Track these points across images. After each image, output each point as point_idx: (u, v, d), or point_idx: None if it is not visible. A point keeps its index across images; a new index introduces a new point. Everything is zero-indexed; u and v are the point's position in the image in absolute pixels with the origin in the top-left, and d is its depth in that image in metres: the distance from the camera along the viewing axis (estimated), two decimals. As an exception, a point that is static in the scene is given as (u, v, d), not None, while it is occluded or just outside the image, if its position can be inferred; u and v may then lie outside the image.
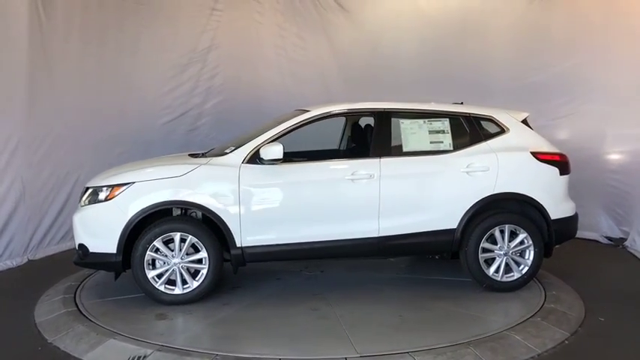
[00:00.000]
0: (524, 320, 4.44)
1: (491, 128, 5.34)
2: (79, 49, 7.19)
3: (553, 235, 5.18)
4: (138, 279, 4.75)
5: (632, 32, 6.85)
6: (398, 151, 5.11)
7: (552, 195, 5.21)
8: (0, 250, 6.15)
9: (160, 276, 4.76)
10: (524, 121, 5.43)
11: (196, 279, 4.80)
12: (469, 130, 5.26)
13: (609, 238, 7.36)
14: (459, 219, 5.01)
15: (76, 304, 4.83)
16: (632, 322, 4.64)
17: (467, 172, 5.05)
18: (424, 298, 4.97)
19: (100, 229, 4.79)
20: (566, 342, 4.20)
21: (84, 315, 4.57)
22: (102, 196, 4.78)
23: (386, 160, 5.00)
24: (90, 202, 4.84)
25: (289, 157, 5.03)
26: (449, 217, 5.02)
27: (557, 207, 5.21)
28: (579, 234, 7.13)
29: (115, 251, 4.69)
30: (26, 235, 6.49)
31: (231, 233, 4.76)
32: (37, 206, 6.65)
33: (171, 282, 4.79)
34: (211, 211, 4.74)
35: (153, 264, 4.78)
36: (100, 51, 7.47)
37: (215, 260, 4.78)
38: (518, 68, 7.73)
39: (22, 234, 6.42)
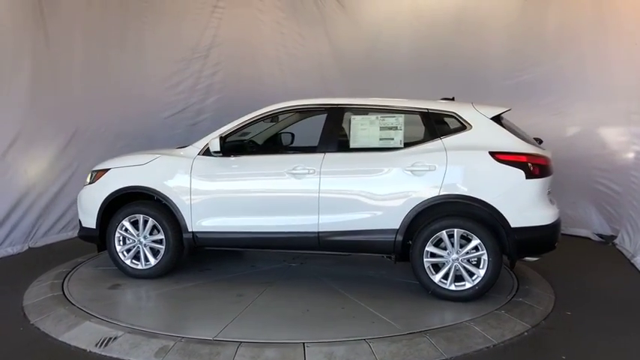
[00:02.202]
0: (488, 313, 4.53)
1: (452, 125, 5.05)
2: (82, 45, 7.48)
3: (514, 245, 4.71)
4: (110, 252, 5.44)
5: (623, 30, 6.84)
6: (344, 147, 5.07)
7: (514, 200, 4.71)
8: (1, 238, 6.45)
9: (128, 251, 5.39)
10: (497, 118, 5.00)
11: (156, 257, 5.33)
12: (425, 127, 5.04)
13: (600, 236, 7.39)
14: (401, 220, 4.80)
15: (63, 288, 5.09)
16: (599, 318, 4.70)
17: (411, 171, 4.80)
18: (359, 297, 4.84)
19: (87, 207, 5.55)
20: (526, 334, 4.30)
21: (67, 299, 4.82)
22: (91, 179, 5.57)
23: (330, 156, 4.99)
24: (88, 184, 5.62)
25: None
26: (390, 217, 4.82)
27: (522, 214, 4.71)
28: (572, 231, 7.34)
29: (94, 227, 5.42)
30: (27, 223, 6.80)
31: (183, 218, 5.20)
32: (39, 196, 6.95)
33: (138, 257, 5.40)
34: (166, 197, 5.23)
35: (124, 240, 5.41)
36: (103, 47, 7.76)
37: (172, 241, 5.26)
38: (512, 66, 7.76)
39: (23, 223, 6.73)
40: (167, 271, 5.37)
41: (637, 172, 6.64)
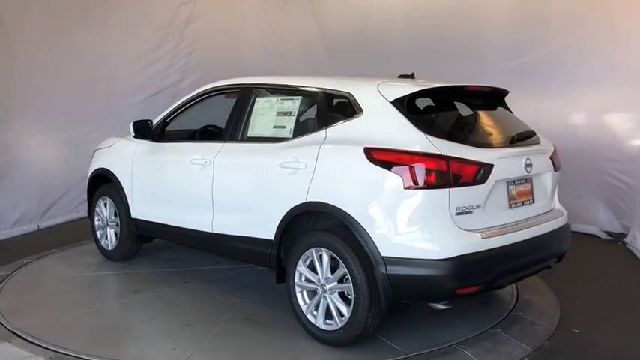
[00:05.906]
0: (482, 331, 3.89)
1: (346, 109, 3.89)
2: (41, 22, 6.78)
3: (383, 282, 3.34)
4: (92, 228, 5.64)
5: (635, 6, 6.15)
6: (243, 136, 4.32)
7: (387, 217, 3.38)
8: None
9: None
10: (407, 98, 3.65)
11: (117, 240, 5.37)
12: (318, 112, 4.01)
13: (609, 233, 6.74)
14: (274, 230, 3.92)
15: (-8, 299, 4.50)
16: (611, 335, 4.06)
17: (285, 169, 3.86)
18: (243, 318, 4.14)
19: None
20: (526, 359, 3.65)
21: (-7, 312, 4.22)
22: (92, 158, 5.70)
23: (228, 146, 4.34)
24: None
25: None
26: (266, 225, 3.96)
27: (397, 238, 3.35)
28: (578, 228, 6.65)
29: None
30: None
31: (128, 203, 5.10)
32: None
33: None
34: (118, 180, 5.18)
35: (101, 220, 5.53)
36: (65, 24, 7.06)
37: (124, 226, 5.20)
38: (514, 46, 7.07)
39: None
40: (127, 255, 5.38)
41: (651, 164, 5.98)
